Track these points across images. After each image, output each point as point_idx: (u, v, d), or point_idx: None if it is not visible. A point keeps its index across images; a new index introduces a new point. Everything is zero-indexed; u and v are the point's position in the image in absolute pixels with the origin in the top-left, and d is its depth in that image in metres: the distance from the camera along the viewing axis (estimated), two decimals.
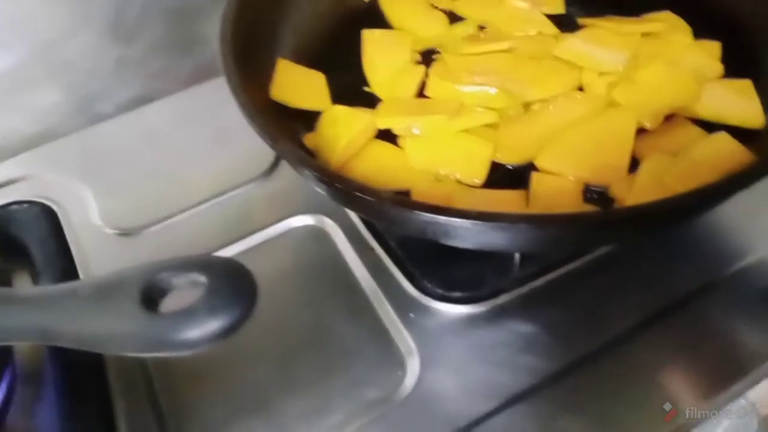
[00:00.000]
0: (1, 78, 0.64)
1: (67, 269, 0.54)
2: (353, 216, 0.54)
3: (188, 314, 0.29)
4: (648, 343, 0.46)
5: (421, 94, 0.55)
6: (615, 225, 0.39)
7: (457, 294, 0.49)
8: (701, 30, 0.56)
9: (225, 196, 0.58)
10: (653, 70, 0.53)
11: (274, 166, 0.60)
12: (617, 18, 0.57)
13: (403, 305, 0.49)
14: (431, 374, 0.45)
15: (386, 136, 0.52)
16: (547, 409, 0.43)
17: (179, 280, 0.30)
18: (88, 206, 0.59)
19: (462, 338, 0.47)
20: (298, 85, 0.55)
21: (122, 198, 0.59)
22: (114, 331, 0.30)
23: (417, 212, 0.38)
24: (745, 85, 0.51)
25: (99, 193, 0.60)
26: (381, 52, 0.58)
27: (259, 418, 0.44)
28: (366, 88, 0.56)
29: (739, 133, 0.48)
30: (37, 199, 0.60)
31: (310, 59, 0.57)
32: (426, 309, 0.48)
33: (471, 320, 0.48)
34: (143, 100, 0.69)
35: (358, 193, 0.40)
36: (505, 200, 0.47)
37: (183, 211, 0.57)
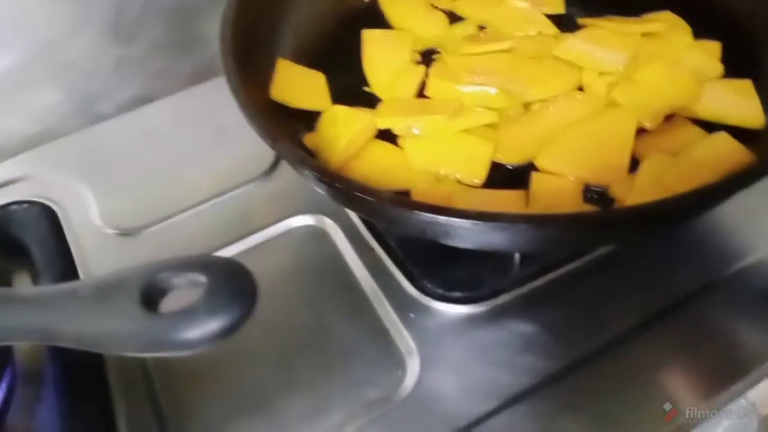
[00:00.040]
0: (1, 78, 0.64)
1: (67, 269, 0.54)
2: (353, 216, 0.54)
3: (188, 314, 0.29)
4: (648, 343, 0.46)
5: (421, 94, 0.55)
6: (615, 225, 0.39)
7: (457, 294, 0.49)
8: (701, 30, 0.56)
9: (225, 196, 0.58)
10: (653, 70, 0.53)
11: (274, 166, 0.60)
12: (617, 18, 0.57)
13: (403, 305, 0.48)
14: (431, 374, 0.45)
15: (386, 136, 0.52)
16: (547, 409, 0.43)
17: (179, 280, 0.30)
18: (88, 206, 0.59)
19: (462, 338, 0.47)
20: (298, 85, 0.55)
21: (122, 198, 0.59)
22: (114, 331, 0.30)
23: (417, 212, 0.38)
24: (745, 85, 0.51)
25: (99, 193, 0.60)
26: (381, 52, 0.58)
27: (259, 417, 0.44)
28: (366, 88, 0.56)
29: (739, 133, 0.48)
30: (37, 199, 0.60)
31: (310, 59, 0.57)
32: (426, 309, 0.48)
33: (471, 320, 0.48)
34: (143, 100, 0.69)
35: (357, 193, 0.40)
36: (505, 200, 0.47)
37: (183, 211, 0.57)
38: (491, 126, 0.51)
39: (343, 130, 0.50)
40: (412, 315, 0.48)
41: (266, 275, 0.50)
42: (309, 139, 0.51)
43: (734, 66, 0.53)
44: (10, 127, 0.66)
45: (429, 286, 0.49)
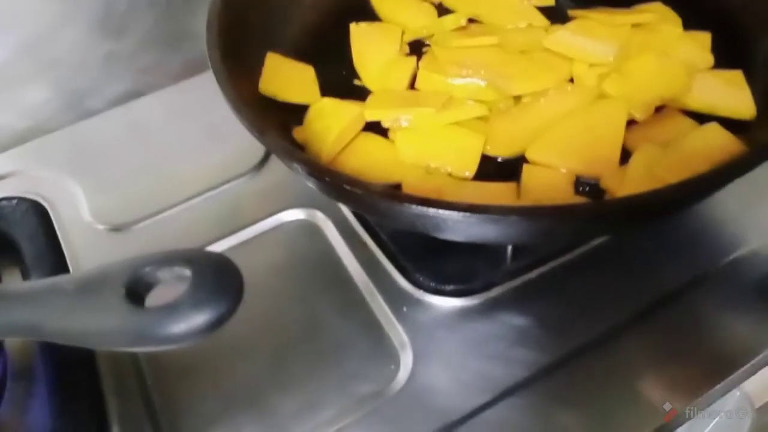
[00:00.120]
0: None
1: (57, 265, 0.54)
2: (345, 210, 0.54)
3: (172, 309, 0.28)
4: (641, 335, 0.46)
5: (413, 86, 0.55)
6: (606, 216, 0.39)
7: (450, 287, 0.49)
8: (691, 21, 0.56)
9: (215, 191, 0.58)
10: (644, 62, 0.52)
11: (265, 160, 0.60)
12: (607, 9, 0.57)
13: (395, 299, 0.48)
14: (424, 368, 0.45)
15: (377, 129, 0.51)
16: (540, 402, 0.43)
17: (164, 274, 0.30)
18: (78, 202, 0.59)
19: (455, 331, 0.47)
20: (287, 78, 0.55)
21: (112, 193, 0.59)
22: (99, 326, 0.30)
23: (407, 205, 0.37)
24: (736, 76, 0.51)
25: (89, 188, 0.60)
26: (370, 45, 0.58)
27: (252, 413, 0.44)
28: (357, 81, 0.56)
29: (729, 123, 0.47)
30: (27, 195, 0.60)
31: (299, 53, 0.57)
32: (419, 302, 0.48)
33: (464, 313, 0.48)
34: (133, 95, 0.69)
35: (347, 187, 0.40)
36: (496, 193, 0.47)
37: (173, 206, 0.57)
38: (482, 119, 0.51)
39: (331, 123, 0.50)
40: (404, 308, 0.48)
41: (258, 270, 0.51)
42: (298, 133, 0.51)
43: (724, 57, 0.53)
44: None
45: (421, 279, 0.49)
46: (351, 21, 0.60)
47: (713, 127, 0.47)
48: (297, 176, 0.43)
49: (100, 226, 0.57)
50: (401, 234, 0.51)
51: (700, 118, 0.49)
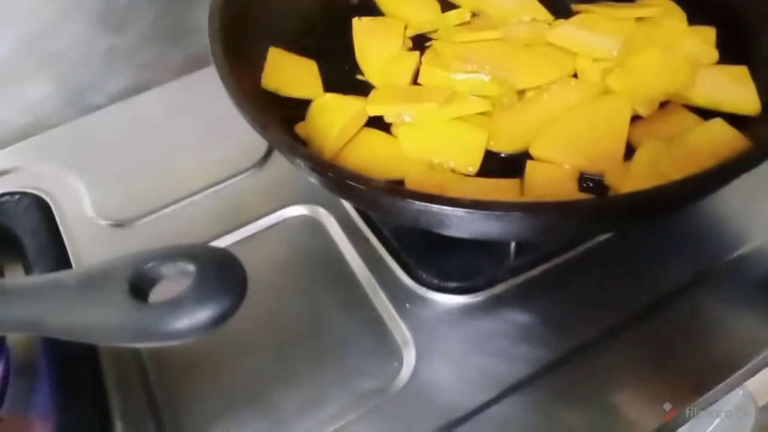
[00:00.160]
0: None
1: (59, 261, 0.54)
2: (347, 206, 0.54)
3: (176, 304, 0.28)
4: (644, 332, 0.46)
5: (416, 81, 0.55)
6: (609, 213, 0.39)
7: (453, 284, 0.48)
8: (696, 15, 0.55)
9: (218, 187, 0.58)
10: (648, 56, 0.52)
11: (267, 156, 0.59)
12: (611, 3, 0.57)
13: (398, 296, 0.48)
14: (427, 365, 0.45)
15: (380, 125, 0.51)
16: (544, 399, 0.43)
17: (168, 269, 0.30)
18: (80, 197, 0.59)
19: (458, 328, 0.47)
20: (290, 73, 0.55)
21: (114, 189, 0.59)
22: (102, 322, 0.30)
23: (410, 201, 0.37)
24: (741, 72, 0.51)
25: (91, 183, 0.60)
26: (373, 40, 0.57)
27: (255, 409, 0.44)
28: (359, 76, 0.56)
29: (734, 119, 0.47)
30: (29, 190, 0.60)
31: (302, 47, 0.57)
32: (422, 299, 0.48)
33: (467, 310, 0.47)
34: (134, 90, 0.69)
35: (350, 182, 0.39)
36: (500, 189, 0.46)
37: (176, 202, 0.57)
38: (485, 114, 0.51)
39: (334, 118, 0.50)
40: (407, 305, 0.48)
41: (260, 266, 0.51)
42: (301, 128, 0.51)
43: (729, 52, 0.53)
44: (0, 118, 0.66)
45: (424, 276, 0.49)
46: (352, 16, 0.60)
47: (718, 123, 0.47)
48: (299, 172, 0.43)
49: (103, 222, 0.57)
50: (404, 230, 0.51)
51: (705, 113, 0.49)
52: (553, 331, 0.46)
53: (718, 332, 0.45)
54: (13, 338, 0.47)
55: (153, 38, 0.69)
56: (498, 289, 0.48)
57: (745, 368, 0.43)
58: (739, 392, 0.50)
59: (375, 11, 0.61)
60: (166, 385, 0.46)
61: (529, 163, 0.48)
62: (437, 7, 0.61)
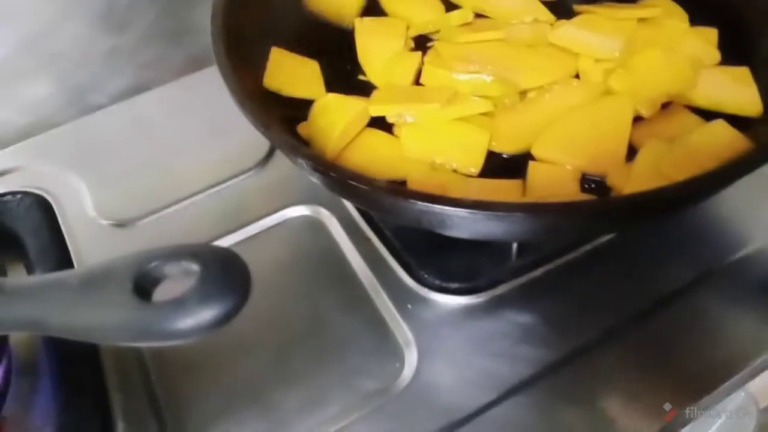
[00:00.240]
0: None
1: (61, 260, 0.54)
2: (349, 206, 0.54)
3: (180, 303, 0.28)
4: (646, 333, 0.46)
5: (418, 81, 0.55)
6: (611, 213, 0.39)
7: (455, 285, 0.48)
8: (697, 16, 0.55)
9: (220, 187, 0.58)
10: (650, 57, 0.52)
11: (269, 156, 0.59)
12: (613, 4, 0.57)
13: (400, 296, 0.48)
14: (429, 366, 0.45)
15: (383, 125, 0.51)
16: (546, 400, 0.43)
17: (171, 268, 0.30)
18: (81, 197, 0.59)
19: (460, 329, 0.47)
20: (292, 73, 0.54)
21: (116, 189, 0.59)
22: (105, 321, 0.29)
23: (412, 201, 0.37)
24: (743, 73, 0.51)
25: (92, 183, 0.60)
26: (375, 40, 0.57)
27: (256, 409, 0.44)
28: (361, 77, 0.56)
29: (736, 120, 0.47)
30: (31, 190, 0.60)
31: (304, 47, 0.57)
32: (423, 300, 0.48)
33: (469, 311, 0.47)
34: (136, 90, 0.69)
35: (352, 182, 0.39)
36: (502, 189, 0.46)
37: (178, 202, 0.57)
38: (487, 114, 0.51)
39: (336, 118, 0.50)
40: (409, 306, 0.48)
41: (262, 266, 0.50)
42: (303, 128, 0.51)
43: (731, 53, 0.53)
44: (1, 118, 0.66)
45: (426, 276, 0.49)
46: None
47: (719, 124, 0.47)
48: (301, 172, 0.43)
49: (104, 222, 0.56)
50: (405, 230, 0.51)
51: (706, 114, 0.49)
52: (554, 332, 0.46)
53: (720, 333, 0.45)
54: (15, 338, 0.47)
55: (154, 38, 0.69)
56: (500, 289, 0.48)
57: (747, 370, 0.43)
58: (740, 393, 0.50)
59: (379, 12, 0.61)
60: (168, 385, 0.46)
61: (531, 164, 0.48)
62: (441, 7, 0.61)
